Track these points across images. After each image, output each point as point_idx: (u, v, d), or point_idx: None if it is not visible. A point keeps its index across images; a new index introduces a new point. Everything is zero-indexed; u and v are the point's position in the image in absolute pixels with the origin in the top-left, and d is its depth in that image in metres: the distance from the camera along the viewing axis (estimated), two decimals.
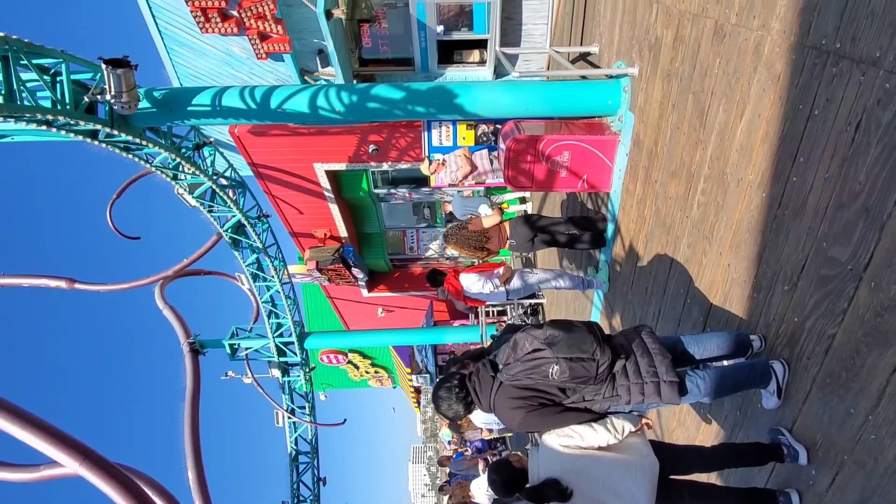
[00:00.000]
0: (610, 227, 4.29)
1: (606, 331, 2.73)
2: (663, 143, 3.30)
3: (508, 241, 4.36)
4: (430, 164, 5.60)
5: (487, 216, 4.43)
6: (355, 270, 8.97)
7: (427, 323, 10.21)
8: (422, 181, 8.45)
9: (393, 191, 8.72)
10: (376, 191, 8.65)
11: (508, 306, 7.73)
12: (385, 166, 7.27)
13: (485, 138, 5.82)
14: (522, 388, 2.11)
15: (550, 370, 2.09)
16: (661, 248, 3.42)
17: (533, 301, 7.16)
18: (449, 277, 4.34)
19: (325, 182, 7.60)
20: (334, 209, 8.12)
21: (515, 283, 4.25)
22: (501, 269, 4.29)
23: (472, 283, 4.25)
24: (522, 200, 7.94)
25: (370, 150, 6.90)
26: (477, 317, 8.08)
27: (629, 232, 3.93)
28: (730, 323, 2.72)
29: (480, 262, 4.70)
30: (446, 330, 8.77)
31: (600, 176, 4.27)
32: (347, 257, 8.68)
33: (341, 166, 7.27)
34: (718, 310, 2.84)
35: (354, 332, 8.98)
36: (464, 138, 5.94)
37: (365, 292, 10.55)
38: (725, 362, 2.49)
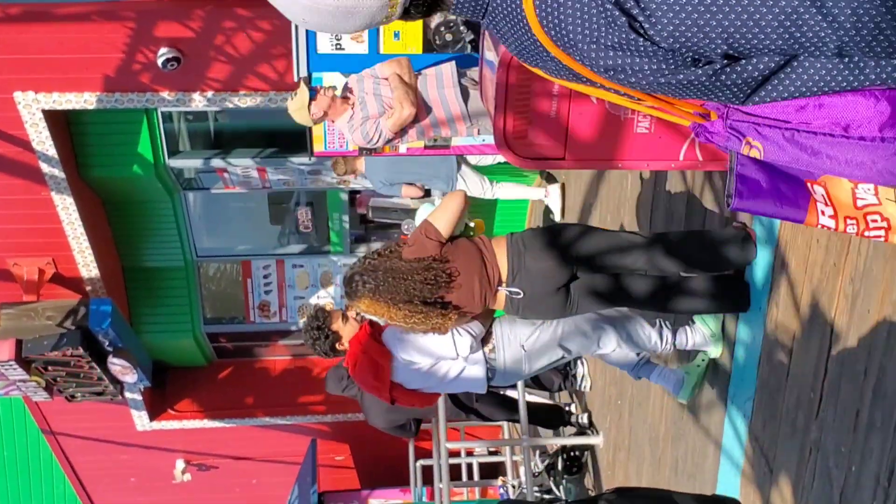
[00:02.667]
0: (761, 258, 4.39)
1: None
2: None
3: (507, 291, 4.31)
4: (309, 98, 5.60)
5: (445, 208, 4.39)
6: (117, 363, 8.92)
7: (301, 497, 10.08)
8: (294, 141, 8.72)
9: (221, 165, 9.01)
10: (177, 163, 8.90)
11: (509, 448, 8.76)
12: (198, 100, 7.54)
13: (450, 37, 6.04)
14: None
15: None
16: (893, 316, 3.31)
17: (572, 441, 7.86)
18: (360, 339, 4.71)
19: (41, 139, 7.70)
20: (65, 207, 8.22)
21: (504, 347, 4.71)
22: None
23: (409, 346, 4.69)
24: (549, 179, 8.53)
25: (160, 62, 7.10)
26: (427, 481, 8.90)
27: (807, 269, 3.96)
28: None
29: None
30: None
31: None
32: (97, 331, 8.57)
33: (87, 99, 7.48)
34: None
35: None
36: (397, 35, 6.05)
37: (143, 420, 10.61)
38: None
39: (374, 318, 4.34)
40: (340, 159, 7.81)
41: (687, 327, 4.83)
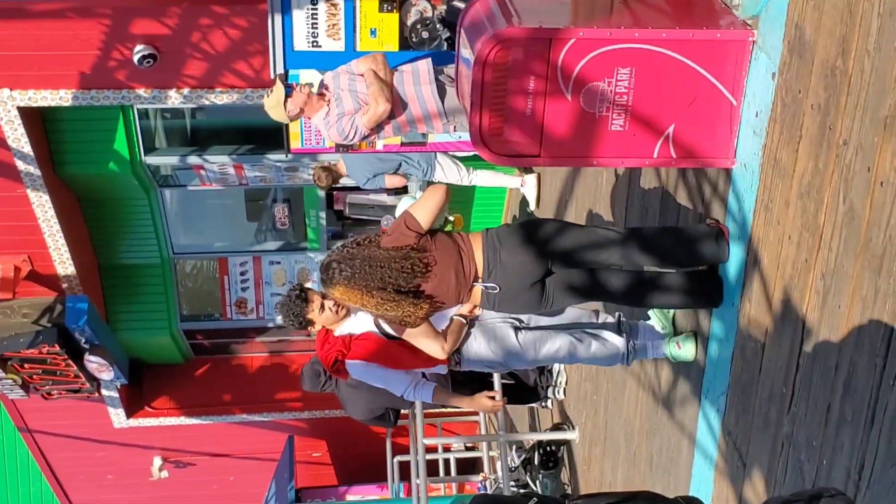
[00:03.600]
0: (734, 254, 4.40)
1: None
2: (861, 52, 3.35)
3: (482, 286, 4.36)
4: (286, 95, 5.61)
5: (430, 195, 4.47)
6: (93, 361, 8.93)
7: (278, 493, 10.08)
8: (271, 138, 8.76)
9: (197, 161, 8.98)
10: (153, 160, 8.91)
11: (486, 444, 8.79)
12: (174, 97, 7.52)
13: (427, 34, 6.06)
14: None
15: None
16: (863, 313, 3.34)
17: (548, 436, 7.89)
18: (327, 365, 4.96)
19: (16, 136, 7.70)
20: (41, 205, 8.23)
21: (475, 346, 4.93)
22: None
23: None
24: (526, 170, 8.63)
25: (136, 59, 7.12)
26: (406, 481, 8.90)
27: (780, 265, 3.99)
28: None
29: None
30: None
31: (707, 128, 4.38)
32: (74, 328, 8.57)
33: (62, 96, 7.48)
34: None
35: None
36: (373, 33, 5.96)
37: (120, 417, 10.60)
38: None
39: (350, 305, 4.36)
40: (321, 173, 7.82)
41: (651, 342, 4.96)
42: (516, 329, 4.92)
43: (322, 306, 4.67)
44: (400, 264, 4.14)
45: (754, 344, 4.18)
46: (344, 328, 4.89)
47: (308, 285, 8.90)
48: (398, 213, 5.84)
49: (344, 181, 8.39)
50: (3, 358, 8.52)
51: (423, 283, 4.19)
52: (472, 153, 8.15)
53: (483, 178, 8.14)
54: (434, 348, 4.47)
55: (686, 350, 4.83)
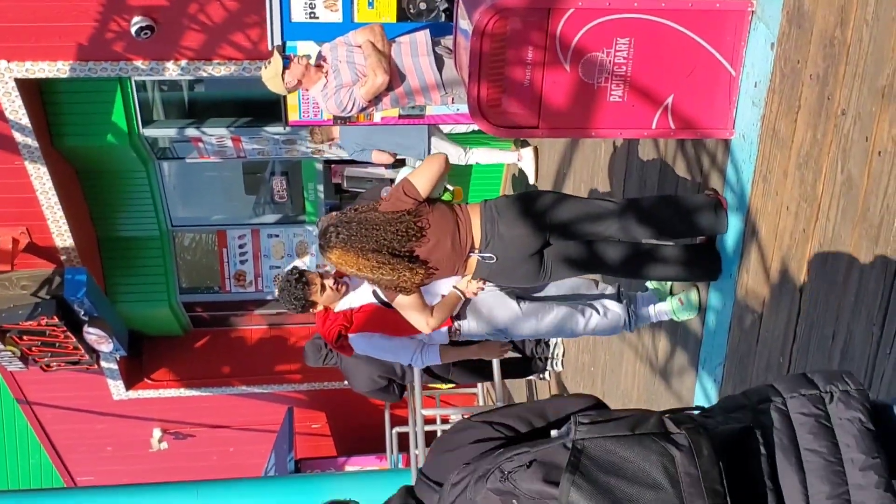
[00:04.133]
0: (732, 225, 4.40)
1: None
2: (860, 21, 3.34)
3: (478, 256, 4.36)
4: (284, 67, 5.59)
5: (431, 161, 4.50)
6: (92, 332, 8.97)
7: (277, 464, 10.17)
8: (268, 110, 8.74)
9: (195, 133, 9.01)
10: (151, 132, 8.93)
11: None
12: (172, 69, 7.58)
13: (424, 5, 6.04)
14: None
15: None
16: (863, 275, 3.35)
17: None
18: (329, 340, 5.00)
19: (14, 108, 7.72)
20: (39, 177, 8.24)
21: (476, 317, 4.93)
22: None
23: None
24: (522, 143, 8.58)
25: (134, 31, 7.13)
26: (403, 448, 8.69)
27: (777, 236, 4.00)
28: None
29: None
30: (326, 480, 9.00)
31: (705, 98, 4.37)
32: (72, 300, 8.64)
33: (60, 68, 7.48)
34: None
35: (79, 490, 9.18)
36: (371, 4, 6.02)
37: (119, 389, 10.67)
38: None
39: (346, 270, 4.35)
40: (317, 128, 7.81)
41: (651, 305, 4.92)
42: (518, 298, 4.94)
43: (322, 287, 4.66)
44: (395, 227, 4.16)
45: (752, 314, 4.19)
46: (343, 303, 4.89)
47: (305, 259, 8.81)
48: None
49: (338, 152, 8.40)
50: (2, 330, 8.55)
51: (417, 248, 4.21)
52: (469, 129, 8.13)
53: (481, 156, 8.14)
54: (420, 321, 4.48)
55: (690, 301, 4.81)
